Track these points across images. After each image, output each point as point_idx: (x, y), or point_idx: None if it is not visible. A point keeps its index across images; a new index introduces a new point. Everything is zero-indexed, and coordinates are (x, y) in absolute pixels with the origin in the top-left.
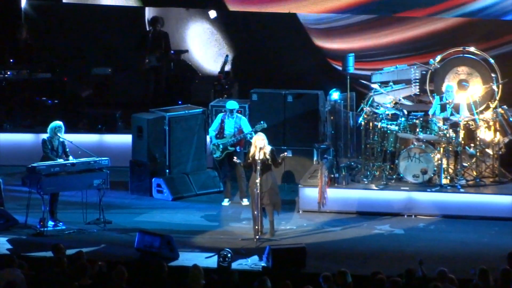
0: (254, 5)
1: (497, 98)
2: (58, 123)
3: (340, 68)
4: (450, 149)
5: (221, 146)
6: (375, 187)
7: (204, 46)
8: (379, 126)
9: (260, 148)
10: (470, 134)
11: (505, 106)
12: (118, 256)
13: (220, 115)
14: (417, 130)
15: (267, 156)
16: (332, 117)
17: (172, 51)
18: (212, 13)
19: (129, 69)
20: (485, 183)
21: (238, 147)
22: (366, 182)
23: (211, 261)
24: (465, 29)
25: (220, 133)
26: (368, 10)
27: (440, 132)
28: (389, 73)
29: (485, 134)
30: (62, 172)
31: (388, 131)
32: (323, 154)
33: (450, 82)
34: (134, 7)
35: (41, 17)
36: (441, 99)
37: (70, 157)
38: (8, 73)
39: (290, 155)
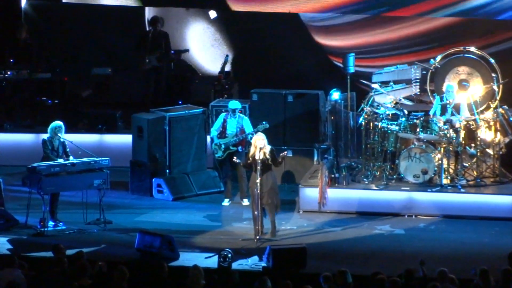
0: (255, 4)
1: (498, 98)
2: (58, 123)
3: (341, 65)
4: (451, 149)
5: (223, 146)
6: (376, 187)
7: (204, 46)
8: (379, 126)
9: (260, 148)
10: (471, 134)
11: (505, 106)
12: (118, 256)
13: (222, 115)
14: (418, 130)
15: (267, 156)
16: (332, 117)
17: (172, 51)
18: (212, 13)
19: (129, 69)
20: (486, 183)
21: (240, 147)
22: (366, 182)
23: (212, 261)
24: (464, 26)
25: (222, 133)
26: (363, 8)
27: (440, 132)
28: (389, 73)
29: (485, 134)
30: (62, 172)
31: (389, 131)
32: (323, 154)
33: (450, 82)
34: (134, 7)
35: (41, 17)
36: (441, 99)
37: (71, 157)
38: (8, 73)
39: (291, 155)
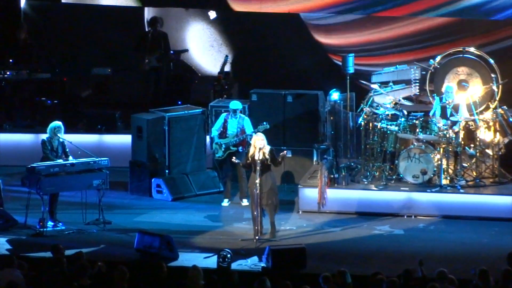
0: (255, 3)
1: (497, 98)
2: (58, 123)
3: (341, 63)
4: (450, 149)
5: (223, 146)
6: (375, 188)
7: (204, 47)
8: (379, 127)
9: (260, 149)
10: (470, 134)
11: (505, 107)
12: (117, 257)
13: (223, 115)
14: (417, 130)
15: (267, 156)
16: (332, 118)
17: (171, 51)
18: (212, 14)
19: (129, 69)
20: (485, 184)
21: (240, 147)
22: (366, 182)
23: (211, 261)
24: (463, 24)
25: (223, 133)
26: (357, 7)
27: (440, 133)
28: (389, 73)
29: (485, 134)
30: (62, 172)
31: (388, 132)
32: (322, 155)
33: (450, 83)
34: (134, 7)
35: (40, 17)
36: (441, 99)
37: (70, 157)
38: (8, 73)
39: (290, 155)
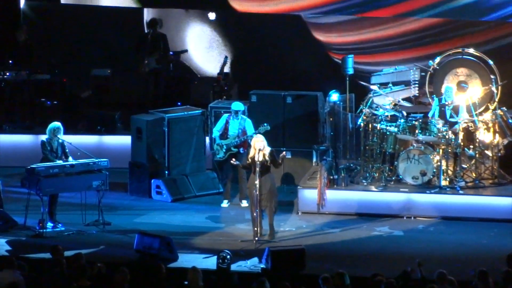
0: (255, 2)
1: (496, 99)
2: (57, 124)
3: (340, 61)
4: (450, 150)
5: (224, 147)
6: (375, 189)
7: (203, 48)
8: (378, 128)
9: (259, 150)
10: (469, 135)
11: (504, 108)
12: (117, 258)
13: (225, 116)
14: (416, 131)
15: (267, 158)
16: (331, 119)
17: (171, 52)
18: (212, 15)
19: (129, 70)
20: (484, 185)
21: (241, 149)
22: (365, 183)
23: (210, 262)
24: (462, 22)
25: (224, 134)
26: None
27: (439, 134)
28: (388, 74)
29: (484, 135)
30: (61, 173)
31: (387, 133)
32: (322, 156)
33: (449, 84)
34: (133, 8)
35: (40, 18)
36: (440, 100)
37: (70, 158)
38: (7, 74)
39: (289, 156)
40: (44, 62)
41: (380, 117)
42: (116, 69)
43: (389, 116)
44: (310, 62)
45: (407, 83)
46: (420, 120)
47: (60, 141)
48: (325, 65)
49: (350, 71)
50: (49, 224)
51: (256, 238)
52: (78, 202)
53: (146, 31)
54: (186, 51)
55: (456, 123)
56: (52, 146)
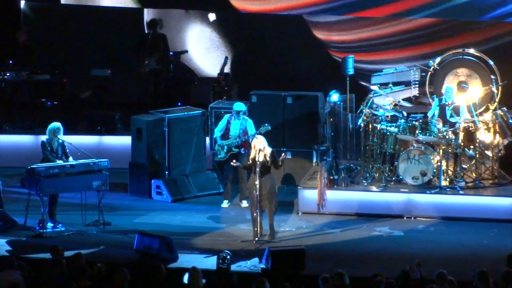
0: (255, 2)
1: (497, 100)
2: (57, 124)
3: (340, 60)
4: (450, 151)
5: (225, 147)
6: (375, 189)
7: (203, 48)
8: (378, 128)
9: (260, 150)
10: (470, 136)
11: (504, 108)
12: (117, 258)
13: (226, 116)
14: (417, 131)
15: (267, 158)
16: (331, 119)
17: (171, 53)
18: (212, 16)
19: (129, 70)
20: (485, 185)
21: (242, 149)
22: (365, 184)
23: (210, 262)
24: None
25: (226, 134)
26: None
27: (439, 134)
28: (388, 74)
29: (484, 136)
30: (62, 173)
31: (388, 133)
32: (322, 156)
33: (449, 84)
34: (133, 9)
35: (40, 19)
36: (440, 101)
37: (70, 158)
38: (8, 74)
39: (289, 157)
40: (44, 63)
41: (380, 118)
42: (116, 69)
43: (389, 117)
44: (310, 63)
45: (407, 83)
46: (421, 121)
47: (60, 141)
48: (325, 65)
49: (351, 71)
50: (49, 224)
51: (256, 239)
52: (78, 202)
53: (146, 31)
54: (186, 51)
55: (456, 123)
56: (53, 147)
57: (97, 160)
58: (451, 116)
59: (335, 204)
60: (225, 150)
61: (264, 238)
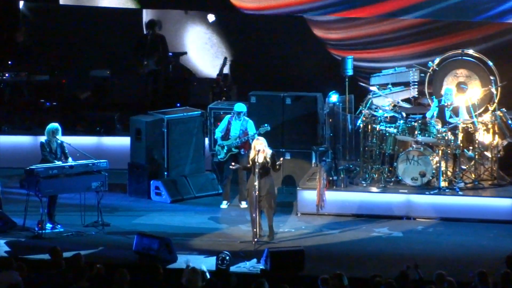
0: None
1: (496, 100)
2: (55, 125)
3: (340, 58)
4: (449, 151)
5: (225, 148)
6: (374, 190)
7: (203, 49)
8: (377, 129)
9: (259, 151)
10: (469, 136)
11: (503, 109)
12: (116, 259)
13: (227, 117)
14: (416, 132)
15: (267, 160)
16: (330, 120)
17: (170, 54)
18: (211, 17)
19: (128, 71)
20: (484, 186)
21: (242, 150)
22: (364, 184)
23: (210, 263)
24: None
25: (226, 135)
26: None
27: (438, 135)
28: (387, 75)
29: (483, 136)
30: (60, 174)
31: (387, 134)
32: (321, 157)
33: (449, 85)
34: (132, 9)
35: (39, 19)
36: (439, 102)
37: (70, 159)
38: (7, 75)
39: (289, 157)
40: (43, 63)
41: (379, 118)
42: (115, 70)
43: (388, 117)
44: (310, 63)
45: (406, 84)
46: (420, 121)
47: (59, 142)
48: (325, 66)
49: (350, 72)
50: (48, 225)
51: (256, 239)
52: (77, 203)
53: (145, 32)
54: (185, 53)
55: (455, 124)
56: (51, 147)
57: (96, 161)
58: (451, 117)
59: (334, 205)
60: (225, 151)
61: (263, 239)
